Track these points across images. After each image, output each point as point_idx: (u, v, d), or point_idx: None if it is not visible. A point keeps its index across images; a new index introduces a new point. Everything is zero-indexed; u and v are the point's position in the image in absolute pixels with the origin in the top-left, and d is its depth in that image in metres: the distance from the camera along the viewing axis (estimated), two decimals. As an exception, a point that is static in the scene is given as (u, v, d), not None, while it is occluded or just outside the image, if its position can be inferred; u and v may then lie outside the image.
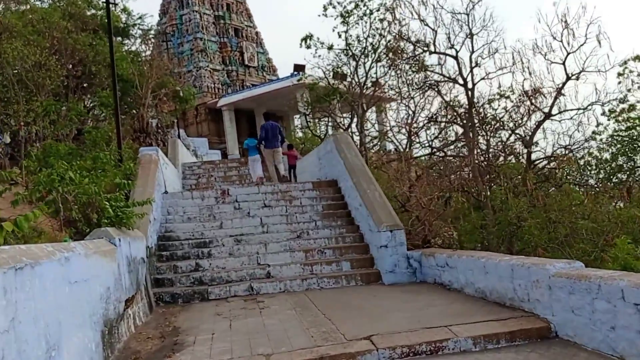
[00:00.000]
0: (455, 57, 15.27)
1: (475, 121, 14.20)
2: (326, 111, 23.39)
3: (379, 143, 22.90)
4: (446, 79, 15.75)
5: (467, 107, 14.82)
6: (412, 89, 20.72)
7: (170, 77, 24.94)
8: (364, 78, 21.20)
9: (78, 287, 4.95)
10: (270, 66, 50.16)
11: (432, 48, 15.82)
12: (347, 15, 20.56)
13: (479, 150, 13.67)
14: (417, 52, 16.17)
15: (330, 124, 23.99)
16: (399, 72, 21.40)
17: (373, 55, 21.30)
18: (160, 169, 11.43)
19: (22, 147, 12.10)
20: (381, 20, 20.82)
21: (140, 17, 25.45)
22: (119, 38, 25.64)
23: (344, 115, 23.95)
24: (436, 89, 15.74)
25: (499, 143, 14.32)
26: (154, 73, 20.13)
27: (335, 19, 20.74)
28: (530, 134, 14.12)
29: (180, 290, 8.61)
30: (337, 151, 11.78)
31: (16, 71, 13.87)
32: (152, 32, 26.11)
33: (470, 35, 14.91)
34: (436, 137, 20.20)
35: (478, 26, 15.26)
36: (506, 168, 12.70)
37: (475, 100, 14.61)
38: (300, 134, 28.62)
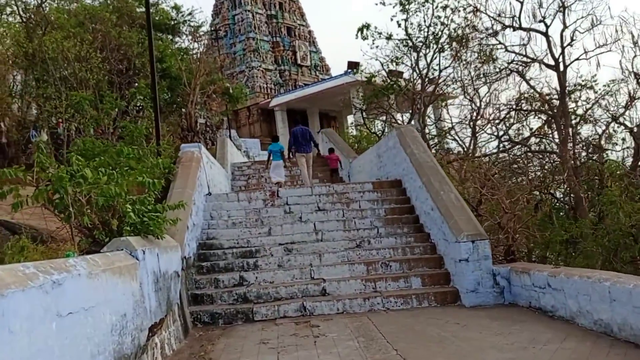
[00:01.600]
0: (545, 34, 13.02)
1: (570, 109, 12.17)
2: (383, 107, 21.83)
3: (439, 142, 21.15)
4: (531, 59, 13.57)
5: (559, 92, 12.78)
6: (480, 81, 18.95)
7: (220, 74, 24.07)
8: (426, 70, 19.50)
9: (74, 319, 3.69)
10: (323, 65, 49.06)
11: (515, 23, 13.61)
12: (407, 2, 18.94)
13: (571, 144, 11.72)
14: (496, 29, 13.92)
15: (387, 121, 22.33)
16: (464, 63, 19.67)
17: (435, 46, 19.58)
18: (202, 168, 10.24)
19: (64, 145, 11.22)
20: (444, 8, 19.12)
21: (190, 13, 24.63)
22: (169, 36, 24.97)
23: (403, 111, 22.28)
24: (518, 72, 13.73)
25: (594, 136, 12.27)
26: (202, 68, 19.18)
27: (393, 7, 19.17)
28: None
29: (221, 309, 7.32)
30: (401, 146, 10.25)
31: (57, 66, 13.07)
32: (203, 28, 25.19)
33: (562, 8, 12.71)
34: (505, 133, 18.32)
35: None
36: (613, 165, 10.73)
37: (567, 84, 12.54)
38: (354, 132, 27.04)
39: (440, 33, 19.38)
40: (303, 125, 14.83)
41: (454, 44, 19.29)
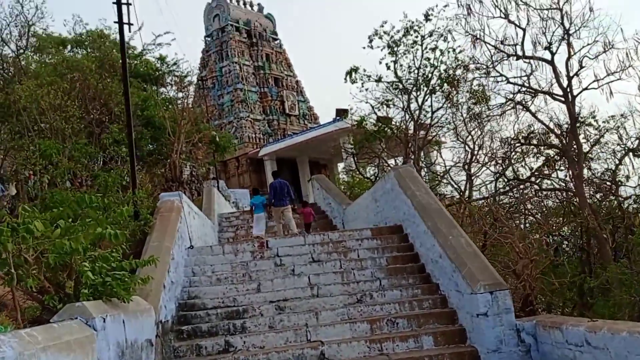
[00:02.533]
0: (551, 62, 12.34)
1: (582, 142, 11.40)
2: (375, 152, 21.16)
3: (434, 186, 20.38)
4: (537, 91, 12.82)
5: (569, 124, 12.03)
6: (475, 122, 18.41)
7: (207, 124, 23.39)
8: (418, 112, 18.95)
9: None
10: (312, 114, 48.95)
11: (518, 52, 12.86)
12: (395, 45, 18.57)
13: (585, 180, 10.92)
14: (496, 60, 13.19)
15: (379, 166, 21.62)
16: (456, 105, 19.18)
17: (426, 88, 19.11)
18: (183, 219, 9.30)
19: (36, 199, 10.26)
20: (433, 50, 18.76)
21: (175, 63, 24.16)
22: (154, 87, 24.41)
23: (395, 155, 21.61)
24: (522, 105, 13.03)
25: (605, 172, 11.49)
26: (187, 116, 18.46)
27: (382, 49, 18.78)
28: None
29: (202, 382, 6.25)
30: (400, 189, 9.41)
31: (31, 116, 12.24)
32: (189, 78, 24.69)
33: (567, 35, 12.09)
34: (501, 174, 17.62)
35: (577, 23, 12.22)
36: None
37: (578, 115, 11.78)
38: (345, 178, 26.23)
39: (430, 75, 18.96)
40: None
41: (445, 85, 18.86)
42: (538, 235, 8.86)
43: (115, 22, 10.64)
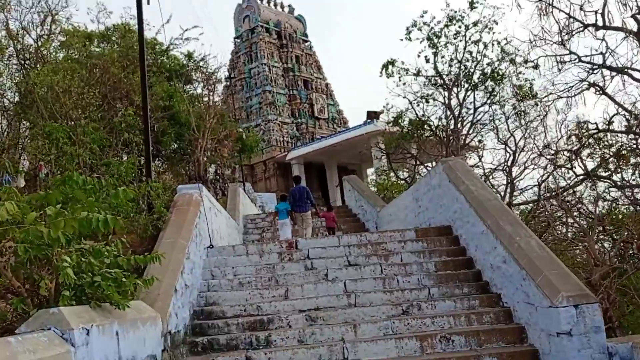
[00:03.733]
0: (637, 33, 10.52)
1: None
2: (410, 153, 19.85)
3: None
4: (621, 69, 11.04)
5: None
6: (520, 120, 17.06)
7: (234, 122, 22.48)
8: (459, 109, 17.64)
9: None
10: (341, 118, 47.87)
11: (598, 21, 11.00)
12: (435, 36, 17.32)
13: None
14: (570, 30, 11.35)
15: (415, 166, 20.31)
16: (500, 101, 17.83)
17: (467, 84, 17.80)
18: (203, 214, 8.23)
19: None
20: (476, 42, 17.47)
21: (202, 59, 23.32)
22: (180, 83, 23.63)
23: (433, 157, 20.27)
24: (598, 87, 11.48)
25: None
26: (213, 112, 17.52)
27: (420, 42, 17.54)
28: None
29: (217, 407, 5.12)
30: (451, 184, 8.16)
31: (46, 103, 11.37)
32: (216, 75, 23.81)
33: None
34: (548, 175, 16.20)
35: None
36: None
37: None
38: (375, 181, 24.94)
39: (473, 69, 17.66)
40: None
41: (490, 81, 17.54)
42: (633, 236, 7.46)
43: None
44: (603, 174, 12.45)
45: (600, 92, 11.31)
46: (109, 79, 13.36)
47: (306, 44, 47.33)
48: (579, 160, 12.52)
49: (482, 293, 6.88)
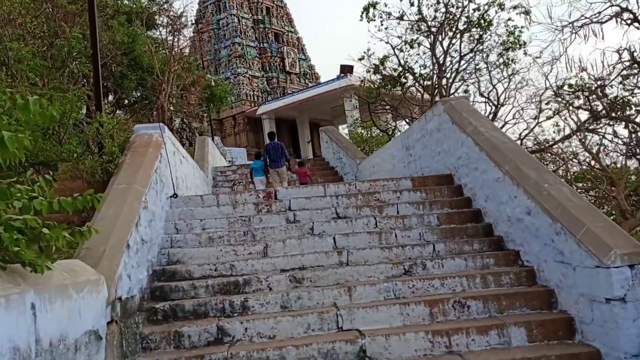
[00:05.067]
0: None
1: None
2: (389, 104, 18.69)
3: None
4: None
5: None
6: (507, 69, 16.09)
7: (201, 69, 20.83)
8: (443, 57, 16.50)
9: None
10: (313, 73, 46.32)
11: None
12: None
13: None
14: None
15: (395, 118, 19.22)
16: (486, 50, 16.78)
17: (450, 32, 16.64)
18: (165, 159, 6.96)
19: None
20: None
21: (166, 1, 21.46)
22: (142, 27, 21.73)
23: (414, 110, 19.16)
24: (631, 13, 10.37)
25: None
26: (179, 56, 15.94)
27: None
28: None
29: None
30: (455, 125, 7.06)
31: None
32: (182, 19, 21.97)
33: None
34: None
35: None
36: None
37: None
38: (353, 133, 23.74)
39: (459, 15, 16.48)
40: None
41: (475, 28, 16.43)
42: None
43: None
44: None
45: (633, 19, 10.16)
46: (57, 12, 11.67)
47: (277, -5, 45.16)
48: (569, 112, 11.63)
49: (496, 250, 5.89)
